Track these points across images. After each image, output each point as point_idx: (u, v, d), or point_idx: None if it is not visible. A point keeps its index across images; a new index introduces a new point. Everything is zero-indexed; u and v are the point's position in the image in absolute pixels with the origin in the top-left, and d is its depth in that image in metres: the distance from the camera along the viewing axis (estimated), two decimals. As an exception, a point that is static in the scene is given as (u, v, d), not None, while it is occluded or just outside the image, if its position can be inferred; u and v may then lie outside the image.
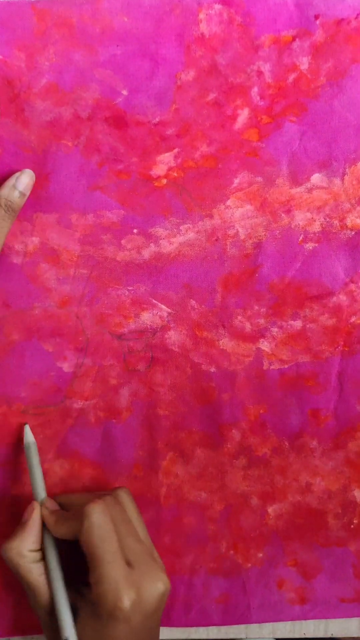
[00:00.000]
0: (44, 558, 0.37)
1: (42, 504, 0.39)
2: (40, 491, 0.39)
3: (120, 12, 0.43)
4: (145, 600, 0.35)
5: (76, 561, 0.38)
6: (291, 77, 0.44)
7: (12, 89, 0.43)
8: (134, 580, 0.35)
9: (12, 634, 0.42)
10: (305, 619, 0.43)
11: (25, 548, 0.37)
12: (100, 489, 0.42)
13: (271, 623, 0.43)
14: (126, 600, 0.34)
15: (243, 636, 0.43)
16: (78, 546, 0.36)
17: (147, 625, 0.35)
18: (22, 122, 0.43)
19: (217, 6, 0.43)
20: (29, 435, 0.41)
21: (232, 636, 0.43)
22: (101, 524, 0.35)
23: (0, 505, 0.42)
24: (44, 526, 0.38)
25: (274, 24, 0.44)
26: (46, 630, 0.37)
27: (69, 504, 0.39)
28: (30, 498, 0.41)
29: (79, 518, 0.36)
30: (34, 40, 0.43)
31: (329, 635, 0.44)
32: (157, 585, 0.35)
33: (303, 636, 0.44)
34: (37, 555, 0.37)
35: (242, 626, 0.43)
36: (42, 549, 0.38)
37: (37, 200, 0.43)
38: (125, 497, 0.38)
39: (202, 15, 0.43)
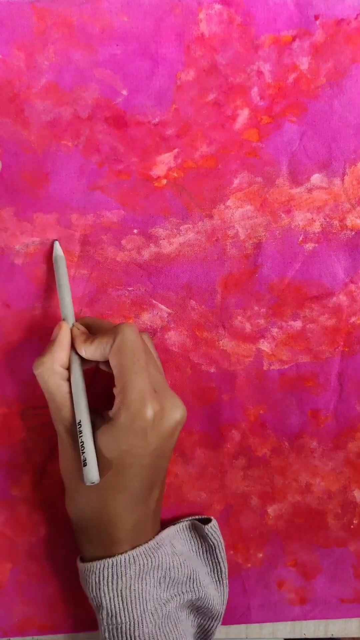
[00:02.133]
0: (69, 378, 0.37)
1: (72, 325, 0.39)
2: (69, 313, 0.39)
3: (120, 11, 0.43)
4: (165, 421, 0.35)
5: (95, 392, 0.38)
6: (291, 77, 0.44)
7: (12, 88, 0.43)
8: (158, 398, 0.35)
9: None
10: (305, 619, 0.43)
11: (56, 363, 0.37)
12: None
13: (271, 623, 0.43)
14: (149, 411, 0.34)
15: (243, 636, 0.43)
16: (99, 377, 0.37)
17: (160, 447, 0.35)
18: (21, 122, 0.43)
19: (217, 6, 0.43)
20: (58, 249, 0.40)
21: (232, 636, 0.43)
22: (134, 339, 0.35)
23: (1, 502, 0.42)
24: (72, 347, 0.38)
25: (274, 24, 0.44)
26: (62, 446, 0.37)
27: (96, 328, 0.39)
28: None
29: (110, 337, 0.36)
30: (33, 39, 0.42)
31: (329, 636, 0.44)
32: (177, 410, 0.36)
33: (303, 636, 0.44)
34: (66, 373, 0.37)
35: (243, 626, 0.43)
36: (68, 369, 0.38)
37: (37, 200, 0.43)
38: (140, 333, 0.38)
39: (202, 15, 0.43)
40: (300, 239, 0.44)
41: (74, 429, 0.36)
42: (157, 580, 0.36)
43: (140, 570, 0.35)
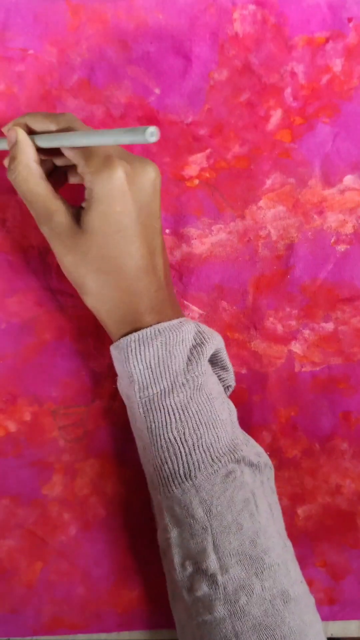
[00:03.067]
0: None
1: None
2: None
3: (155, 8, 0.42)
4: (140, 179, 0.35)
5: None
6: (324, 79, 0.44)
7: (44, 85, 0.42)
8: (124, 159, 0.35)
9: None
10: (334, 619, 0.43)
11: (31, 159, 0.36)
12: (132, 490, 0.42)
13: None
14: (119, 170, 0.34)
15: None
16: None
17: (146, 207, 0.35)
18: (53, 119, 0.42)
19: (251, 6, 0.43)
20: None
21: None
22: (78, 120, 0.36)
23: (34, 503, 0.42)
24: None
25: (308, 25, 0.43)
26: (58, 240, 0.36)
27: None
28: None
29: (57, 122, 0.36)
30: (66, 35, 0.42)
31: (329, 635, 0.44)
32: (148, 167, 0.36)
33: None
34: (42, 171, 0.37)
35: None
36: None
37: (70, 200, 0.42)
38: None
39: (236, 15, 0.43)
40: (333, 240, 0.44)
41: (70, 221, 0.36)
42: (186, 356, 0.36)
43: (166, 343, 0.36)
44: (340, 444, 0.43)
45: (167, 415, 0.36)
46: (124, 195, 0.34)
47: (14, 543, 0.42)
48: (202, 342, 0.37)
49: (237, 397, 0.43)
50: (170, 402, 0.36)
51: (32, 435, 0.42)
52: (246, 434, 0.39)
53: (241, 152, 0.43)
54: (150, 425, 0.36)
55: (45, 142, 0.36)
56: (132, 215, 0.35)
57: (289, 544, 0.37)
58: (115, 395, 0.42)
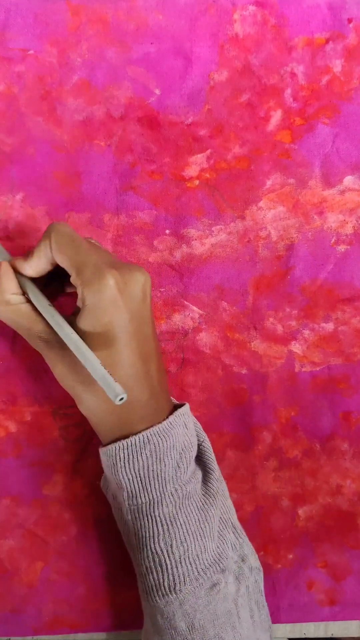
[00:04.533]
0: (29, 301, 0.37)
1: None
2: (4, 253, 0.39)
3: (155, 9, 0.42)
4: (130, 285, 0.35)
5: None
6: (324, 79, 0.44)
7: (44, 85, 0.42)
8: (114, 268, 0.35)
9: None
10: (335, 620, 0.43)
11: (6, 293, 0.36)
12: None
13: (274, 624, 0.43)
14: (110, 279, 0.34)
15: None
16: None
17: (137, 313, 0.35)
18: (54, 120, 0.42)
19: (251, 7, 0.43)
20: None
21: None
22: (68, 230, 0.35)
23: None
24: (19, 278, 0.37)
25: (308, 26, 0.43)
26: (52, 360, 0.36)
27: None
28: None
29: (44, 239, 0.35)
30: (67, 35, 0.42)
31: (329, 635, 0.44)
32: (136, 272, 0.35)
33: (303, 636, 0.44)
34: (22, 298, 0.37)
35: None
36: (24, 295, 0.37)
37: (69, 200, 0.42)
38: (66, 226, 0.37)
39: (236, 16, 0.43)
40: (333, 240, 0.44)
41: (55, 337, 0.36)
42: (175, 462, 0.36)
43: (155, 450, 0.35)
44: (341, 444, 0.43)
45: (155, 525, 0.35)
46: (114, 303, 0.34)
47: (14, 543, 0.42)
48: (190, 445, 0.37)
49: (237, 397, 0.43)
50: (159, 513, 0.35)
51: (32, 435, 0.42)
52: (241, 531, 0.39)
53: (241, 152, 0.43)
54: (138, 532, 0.36)
55: (34, 301, 0.37)
56: (122, 324, 0.34)
57: None
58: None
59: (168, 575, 0.35)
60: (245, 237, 0.43)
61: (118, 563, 0.42)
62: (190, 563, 0.35)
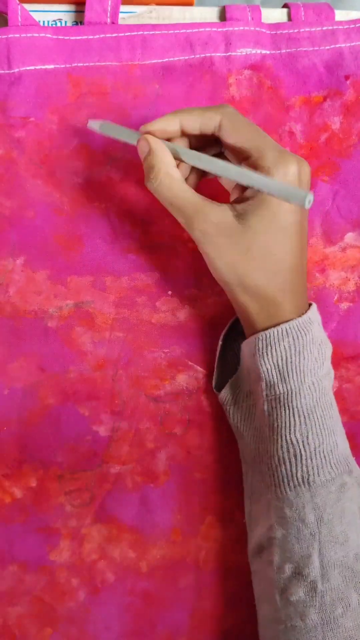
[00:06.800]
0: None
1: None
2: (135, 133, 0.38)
3: (152, 80, 0.43)
4: (301, 175, 0.35)
5: None
6: (323, 137, 0.44)
7: (42, 149, 0.43)
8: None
9: None
10: None
11: (170, 166, 0.36)
12: (140, 554, 0.42)
13: None
14: (294, 164, 0.35)
15: None
16: None
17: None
18: (53, 184, 0.43)
19: (247, 71, 0.44)
20: (93, 125, 0.40)
21: None
22: (238, 113, 0.36)
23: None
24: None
25: (304, 86, 0.44)
26: (216, 238, 0.36)
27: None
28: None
29: (210, 111, 0.36)
30: (67, 104, 0.43)
31: None
32: (305, 165, 0.36)
33: None
34: (180, 174, 0.37)
35: None
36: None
37: (71, 263, 0.43)
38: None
39: (232, 80, 0.43)
40: (336, 298, 0.44)
41: (225, 218, 0.35)
42: (314, 356, 0.36)
43: (294, 343, 0.36)
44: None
45: (292, 415, 0.36)
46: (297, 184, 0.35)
47: (22, 610, 0.42)
48: (326, 341, 0.38)
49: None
50: (297, 404, 0.36)
51: (38, 501, 0.42)
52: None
53: (241, 212, 0.44)
54: (274, 423, 0.36)
55: (192, 161, 0.36)
56: (296, 211, 0.35)
57: None
58: (121, 459, 0.42)
59: (302, 467, 0.35)
60: (247, 296, 0.43)
61: (127, 629, 0.42)
62: (324, 457, 0.35)
